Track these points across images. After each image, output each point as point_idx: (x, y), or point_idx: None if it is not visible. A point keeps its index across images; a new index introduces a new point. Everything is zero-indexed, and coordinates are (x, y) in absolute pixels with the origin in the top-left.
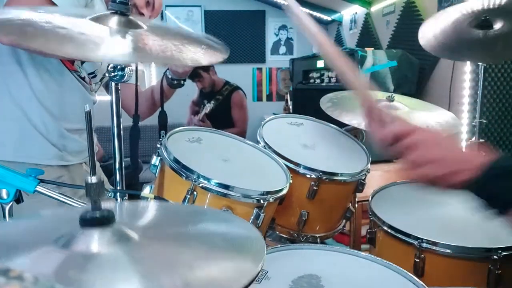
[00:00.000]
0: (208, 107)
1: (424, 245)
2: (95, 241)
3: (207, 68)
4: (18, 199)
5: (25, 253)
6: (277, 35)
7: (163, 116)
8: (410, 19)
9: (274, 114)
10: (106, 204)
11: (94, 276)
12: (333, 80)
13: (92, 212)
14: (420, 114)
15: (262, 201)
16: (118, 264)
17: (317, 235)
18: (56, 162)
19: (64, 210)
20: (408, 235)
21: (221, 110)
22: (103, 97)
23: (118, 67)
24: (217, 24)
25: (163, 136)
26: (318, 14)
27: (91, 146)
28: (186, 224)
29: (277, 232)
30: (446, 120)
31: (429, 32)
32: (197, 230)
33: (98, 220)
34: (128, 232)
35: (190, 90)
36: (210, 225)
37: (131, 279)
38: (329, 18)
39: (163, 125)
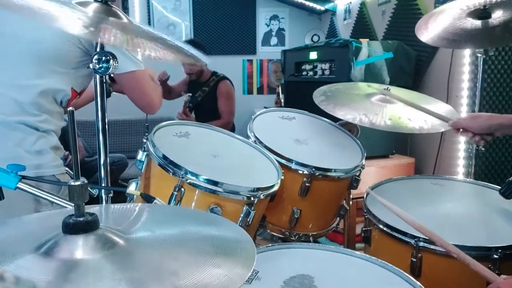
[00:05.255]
0: (185, 98)
1: (421, 244)
2: (79, 248)
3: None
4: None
5: (6, 262)
6: (268, 26)
7: None
8: (406, 9)
9: (265, 107)
10: (90, 208)
11: (79, 285)
12: (327, 72)
13: (76, 217)
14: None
15: (252, 198)
16: (103, 272)
17: (310, 234)
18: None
19: (47, 214)
20: (405, 234)
21: (208, 101)
22: None
23: (103, 58)
24: (205, 14)
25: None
26: (311, 4)
27: (75, 147)
28: (174, 229)
29: (268, 231)
30: (444, 113)
31: (426, 25)
32: (186, 234)
33: (81, 225)
34: (113, 238)
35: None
36: (198, 229)
37: (117, 287)
38: (322, 8)
39: None
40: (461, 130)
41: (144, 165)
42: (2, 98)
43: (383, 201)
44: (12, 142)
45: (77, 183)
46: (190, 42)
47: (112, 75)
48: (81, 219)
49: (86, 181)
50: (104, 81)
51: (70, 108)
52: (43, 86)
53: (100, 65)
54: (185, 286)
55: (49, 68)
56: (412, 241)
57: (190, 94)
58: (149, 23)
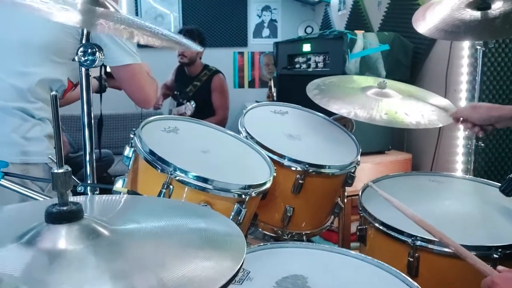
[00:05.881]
0: (190, 109)
1: (419, 243)
2: (62, 238)
3: (202, 43)
4: None
5: None
6: (260, 17)
7: None
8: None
9: (257, 101)
10: (74, 198)
11: (61, 276)
12: (320, 65)
13: (59, 206)
14: (414, 101)
15: (243, 196)
16: (87, 262)
17: (303, 232)
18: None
19: (29, 204)
20: (401, 233)
21: (200, 97)
22: None
23: (89, 51)
24: (195, 4)
25: None
26: None
27: (58, 133)
28: (161, 220)
29: (260, 229)
30: (442, 107)
31: (423, 16)
32: (173, 226)
33: (65, 215)
34: (98, 228)
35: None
36: (186, 221)
37: (101, 279)
38: None
39: None
40: (461, 119)
41: (131, 162)
42: (1, 84)
43: (383, 194)
44: (8, 127)
45: (61, 170)
46: (190, 31)
47: (109, 69)
48: (65, 208)
49: (69, 169)
50: (100, 76)
51: (53, 93)
52: (42, 75)
53: (86, 58)
54: (171, 279)
55: (48, 57)
56: (409, 240)
57: (194, 105)
58: (136, 14)
